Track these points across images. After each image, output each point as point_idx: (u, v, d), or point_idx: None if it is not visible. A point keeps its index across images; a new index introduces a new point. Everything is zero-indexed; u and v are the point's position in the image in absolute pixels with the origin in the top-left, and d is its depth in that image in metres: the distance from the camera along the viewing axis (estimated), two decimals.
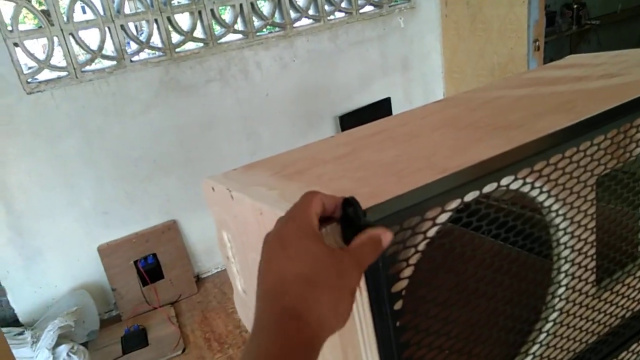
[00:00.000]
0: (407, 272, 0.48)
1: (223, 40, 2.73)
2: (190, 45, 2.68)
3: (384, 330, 0.45)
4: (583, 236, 0.61)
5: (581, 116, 0.60)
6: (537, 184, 0.55)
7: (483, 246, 0.55)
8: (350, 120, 3.06)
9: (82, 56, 2.48)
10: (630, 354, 0.73)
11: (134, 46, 2.54)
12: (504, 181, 0.51)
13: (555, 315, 0.62)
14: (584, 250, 0.63)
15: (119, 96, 2.50)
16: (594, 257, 0.64)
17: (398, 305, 0.47)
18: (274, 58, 2.86)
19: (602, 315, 0.68)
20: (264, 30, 2.87)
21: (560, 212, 0.58)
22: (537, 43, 3.06)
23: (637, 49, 1.03)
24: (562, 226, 0.59)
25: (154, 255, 2.69)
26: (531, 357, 0.61)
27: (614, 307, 0.69)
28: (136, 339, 2.40)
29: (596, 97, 0.70)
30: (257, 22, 2.81)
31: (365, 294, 0.44)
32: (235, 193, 0.66)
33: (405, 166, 0.57)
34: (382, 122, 0.87)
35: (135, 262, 2.65)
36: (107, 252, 2.60)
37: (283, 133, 2.99)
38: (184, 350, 2.34)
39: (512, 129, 0.63)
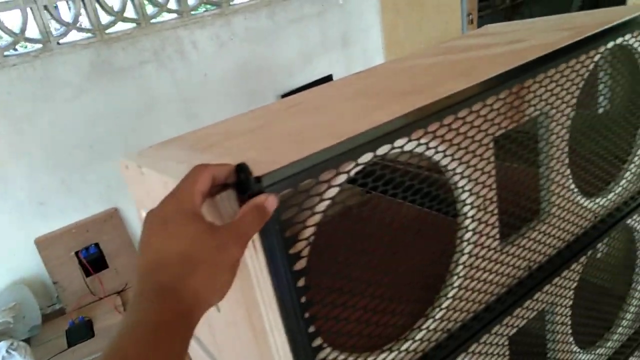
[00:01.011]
0: (307, 233, 0.49)
1: (156, 20, 2.64)
2: (121, 26, 2.57)
3: (282, 290, 0.47)
4: (482, 193, 0.65)
5: (478, 80, 0.63)
6: (432, 145, 0.57)
7: (384, 207, 0.57)
8: None
9: (6, 39, 2.34)
10: (534, 302, 0.78)
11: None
12: (398, 143, 0.54)
13: (460, 269, 0.66)
14: (485, 207, 0.66)
15: (47, 81, 2.39)
16: (496, 213, 0.68)
17: (300, 265, 0.49)
18: (211, 37, 2.80)
19: (507, 267, 0.73)
20: (199, 8, 2.79)
21: (458, 170, 0.61)
22: (471, 17, 3.14)
23: (548, 16, 1.07)
24: (460, 184, 0.62)
25: (97, 244, 2.61)
26: (438, 309, 0.65)
27: (517, 259, 0.74)
28: (81, 331, 2.35)
29: (496, 61, 0.73)
30: (191, 1, 2.74)
31: (261, 255, 0.45)
32: (145, 169, 0.65)
33: (308, 135, 0.59)
34: (299, 95, 0.88)
35: (77, 253, 2.57)
36: (45, 244, 2.50)
37: (224, 113, 2.92)
38: None
39: (414, 94, 0.65)
